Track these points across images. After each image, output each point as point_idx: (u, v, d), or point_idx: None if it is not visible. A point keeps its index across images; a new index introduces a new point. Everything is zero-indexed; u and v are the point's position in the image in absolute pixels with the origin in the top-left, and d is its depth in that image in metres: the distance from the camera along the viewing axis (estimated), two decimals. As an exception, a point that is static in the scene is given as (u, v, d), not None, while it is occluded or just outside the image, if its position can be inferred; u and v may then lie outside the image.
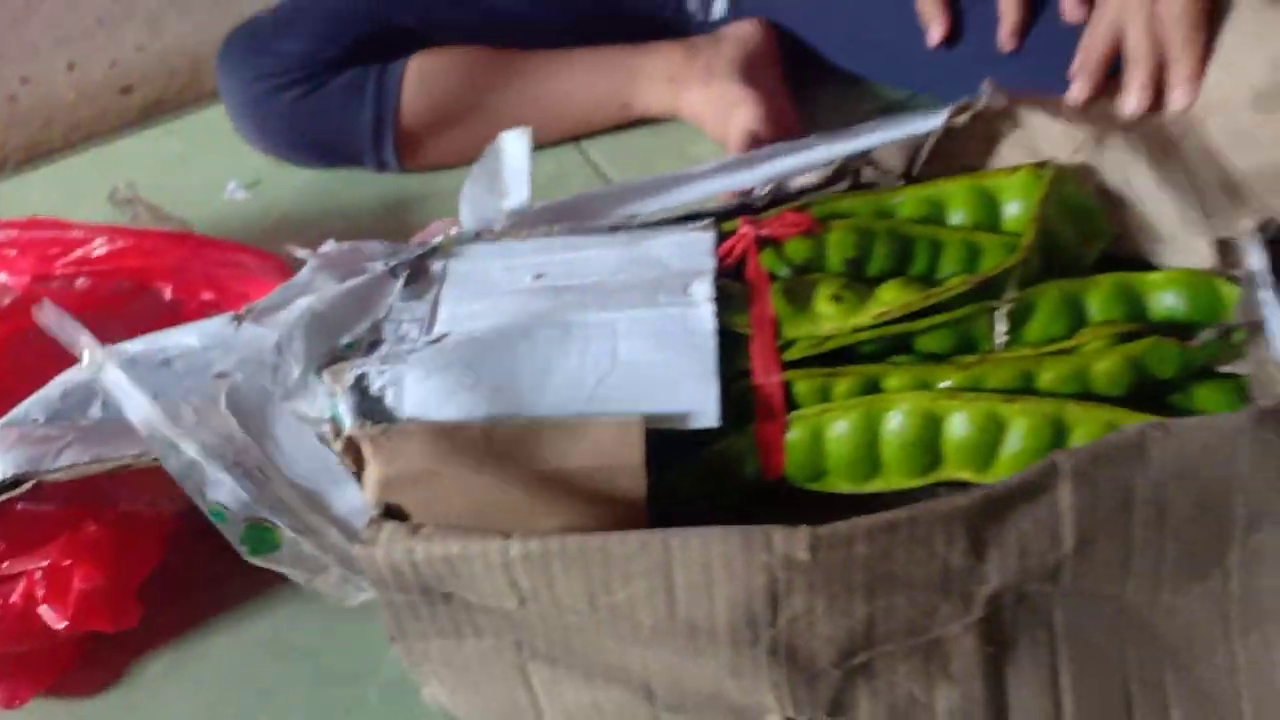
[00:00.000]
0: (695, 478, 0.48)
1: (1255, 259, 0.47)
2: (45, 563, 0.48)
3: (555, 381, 0.46)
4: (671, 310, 0.48)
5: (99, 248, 0.60)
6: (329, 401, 0.47)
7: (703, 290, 0.48)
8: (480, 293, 0.52)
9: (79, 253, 0.61)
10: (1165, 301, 0.48)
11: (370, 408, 0.46)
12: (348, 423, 0.45)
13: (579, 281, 0.52)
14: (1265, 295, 0.46)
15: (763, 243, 0.51)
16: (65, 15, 0.83)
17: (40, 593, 0.48)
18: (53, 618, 0.48)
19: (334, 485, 0.42)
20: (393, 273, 0.54)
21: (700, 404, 0.45)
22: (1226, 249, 0.49)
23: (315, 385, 0.48)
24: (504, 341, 0.48)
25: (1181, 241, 0.50)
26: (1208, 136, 0.54)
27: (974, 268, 0.51)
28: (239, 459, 0.41)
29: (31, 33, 0.83)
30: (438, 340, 0.49)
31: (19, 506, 0.48)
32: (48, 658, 0.52)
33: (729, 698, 0.43)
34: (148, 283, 0.62)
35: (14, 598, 0.48)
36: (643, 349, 0.47)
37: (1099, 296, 0.48)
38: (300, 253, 0.54)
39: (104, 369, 0.43)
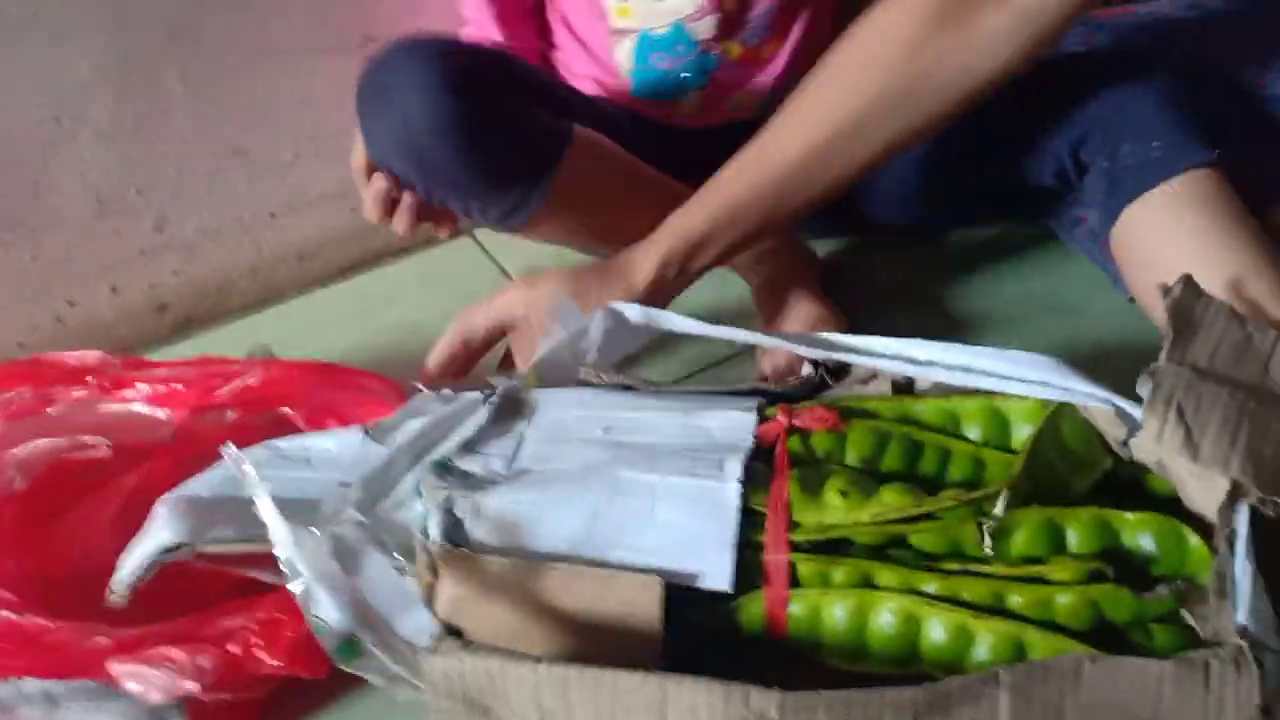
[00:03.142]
0: (713, 625, 0.56)
1: (1240, 523, 0.51)
2: (263, 615, 0.58)
3: (600, 528, 0.56)
4: (706, 482, 0.57)
5: (252, 377, 0.72)
6: (421, 514, 0.58)
7: (734, 470, 0.57)
8: (557, 438, 0.62)
9: (237, 383, 0.72)
10: (1138, 540, 0.54)
11: (451, 526, 0.56)
12: (434, 537, 0.55)
13: (638, 439, 0.62)
14: (1239, 564, 0.49)
15: (793, 431, 0.60)
16: (110, 246, 0.94)
17: (257, 642, 0.57)
18: (267, 658, 0.57)
19: (404, 610, 0.52)
20: (484, 402, 0.64)
21: (716, 569, 0.54)
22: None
23: (414, 500, 0.59)
24: (566, 487, 0.58)
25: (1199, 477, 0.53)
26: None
27: (979, 476, 0.58)
28: (338, 585, 0.51)
29: (79, 263, 0.94)
30: (517, 477, 0.60)
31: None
32: (238, 713, 0.61)
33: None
34: (283, 414, 0.73)
35: (233, 647, 0.57)
36: (676, 512, 0.56)
37: (1078, 525, 0.54)
38: (417, 385, 0.65)
39: (258, 500, 0.54)
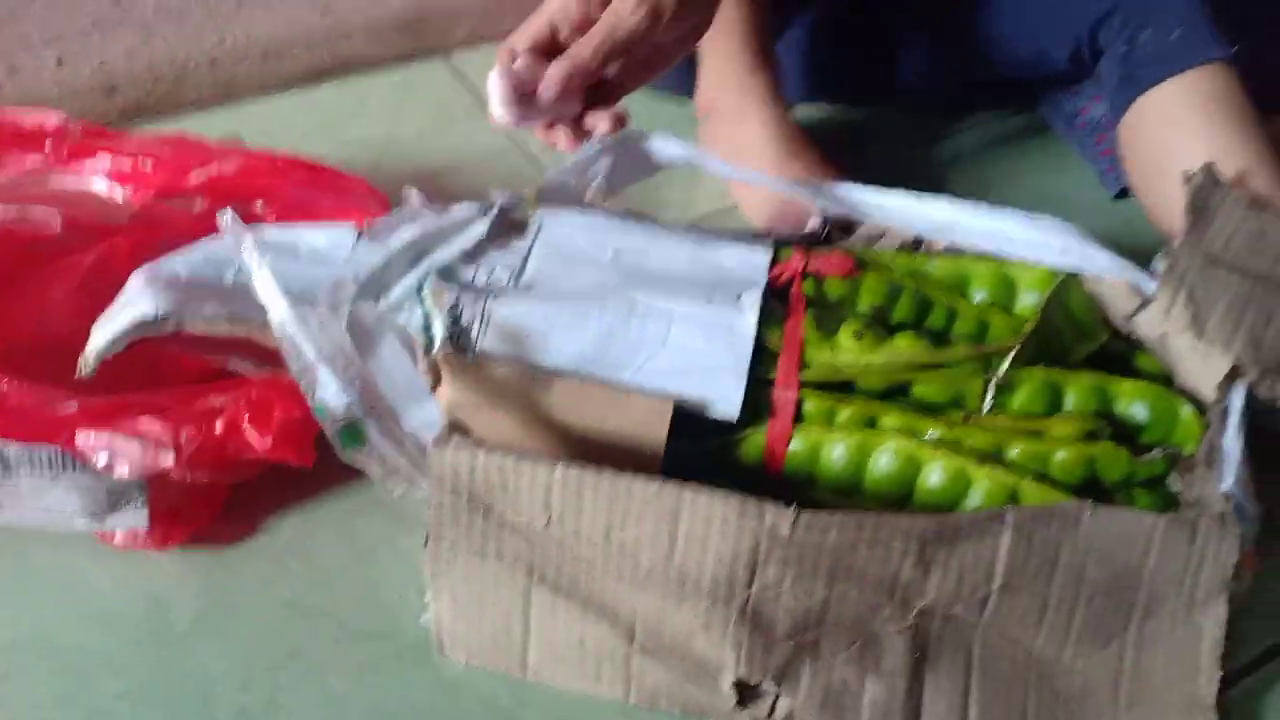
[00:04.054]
0: (710, 454, 0.55)
1: (1235, 399, 0.54)
2: (253, 395, 0.54)
3: (613, 347, 0.55)
4: (722, 312, 0.56)
5: (228, 164, 0.66)
6: (422, 319, 0.55)
7: (751, 301, 0.56)
8: (565, 257, 0.60)
9: (211, 168, 0.66)
10: (1131, 409, 0.56)
11: (458, 333, 0.54)
12: (438, 341, 0.53)
13: (649, 266, 0.60)
14: (1230, 436, 0.52)
15: (807, 274, 0.59)
16: (61, 14, 0.85)
17: (245, 419, 0.54)
18: (256, 438, 0.53)
19: (414, 402, 0.49)
20: (483, 214, 0.62)
21: (726, 396, 0.53)
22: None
23: (413, 303, 0.56)
24: (580, 304, 0.56)
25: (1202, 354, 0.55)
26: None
27: (982, 337, 0.59)
28: (347, 367, 0.48)
29: (25, 27, 0.84)
30: (525, 289, 0.58)
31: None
32: (198, 505, 0.58)
33: (697, 650, 0.51)
34: (255, 210, 0.68)
35: (218, 426, 0.54)
36: (690, 339, 0.55)
37: (1077, 389, 0.56)
38: (411, 191, 0.62)
39: (257, 273, 0.50)
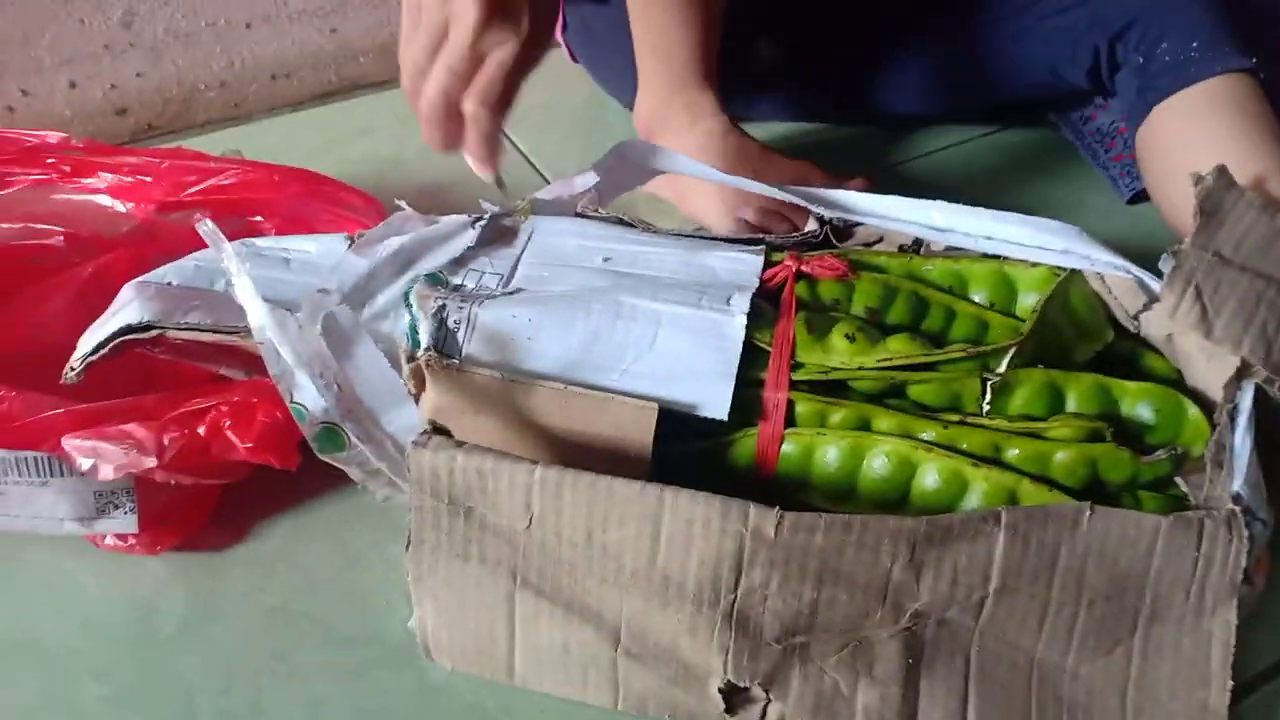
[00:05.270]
0: (701, 459, 0.54)
1: (1244, 399, 0.52)
2: (236, 398, 0.55)
3: (599, 350, 0.54)
4: (710, 314, 0.55)
5: (227, 177, 0.67)
6: (409, 324, 0.55)
7: (741, 304, 0.55)
8: (555, 262, 0.60)
9: (210, 182, 0.67)
10: (1136, 409, 0.54)
11: (443, 337, 0.54)
12: (422, 345, 0.53)
13: (640, 271, 0.60)
14: (1239, 436, 0.50)
15: (800, 276, 0.58)
16: (72, 38, 0.87)
17: (226, 423, 0.54)
18: (238, 440, 0.54)
19: (393, 405, 0.49)
20: (472, 224, 0.62)
21: (715, 398, 0.52)
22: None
23: (399, 309, 0.56)
24: (566, 307, 0.56)
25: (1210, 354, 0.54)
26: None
27: (980, 339, 0.57)
28: (324, 371, 0.48)
29: (37, 51, 0.87)
30: (512, 293, 0.57)
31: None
32: (187, 511, 0.58)
33: (683, 654, 0.50)
34: (255, 223, 0.69)
35: (201, 429, 0.54)
36: (678, 340, 0.54)
37: (1078, 390, 0.54)
38: (401, 203, 0.62)
39: (236, 279, 0.51)
